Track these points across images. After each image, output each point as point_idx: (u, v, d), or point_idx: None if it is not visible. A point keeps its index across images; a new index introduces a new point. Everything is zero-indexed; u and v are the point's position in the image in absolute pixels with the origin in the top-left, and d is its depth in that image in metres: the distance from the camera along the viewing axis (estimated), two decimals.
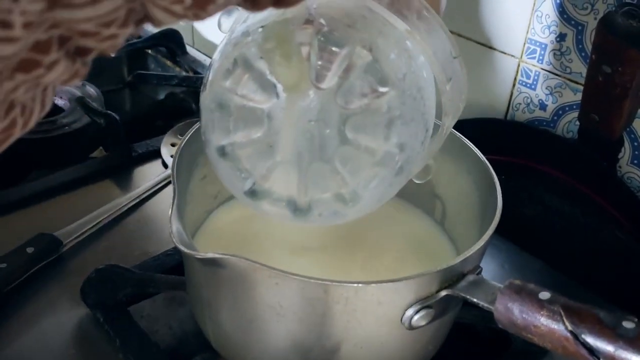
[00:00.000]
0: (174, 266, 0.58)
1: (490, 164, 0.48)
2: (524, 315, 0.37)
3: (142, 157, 0.74)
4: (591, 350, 0.34)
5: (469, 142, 0.51)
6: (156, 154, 0.75)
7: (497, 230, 0.43)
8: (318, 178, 0.41)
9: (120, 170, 0.72)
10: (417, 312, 0.40)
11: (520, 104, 0.70)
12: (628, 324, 0.33)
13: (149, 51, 1.00)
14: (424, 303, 0.40)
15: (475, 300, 0.40)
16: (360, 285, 0.39)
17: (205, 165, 0.51)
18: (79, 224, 0.62)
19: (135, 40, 1.00)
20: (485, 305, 0.39)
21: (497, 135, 0.70)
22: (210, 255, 0.38)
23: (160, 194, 0.70)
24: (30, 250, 0.58)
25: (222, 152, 0.42)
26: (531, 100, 0.68)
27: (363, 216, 0.44)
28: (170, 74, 0.92)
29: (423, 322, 0.41)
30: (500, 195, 0.46)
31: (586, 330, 0.34)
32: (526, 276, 0.61)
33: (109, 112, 0.73)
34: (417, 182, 0.45)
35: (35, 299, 0.56)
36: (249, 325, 0.43)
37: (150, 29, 1.07)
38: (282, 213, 0.43)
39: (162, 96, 0.93)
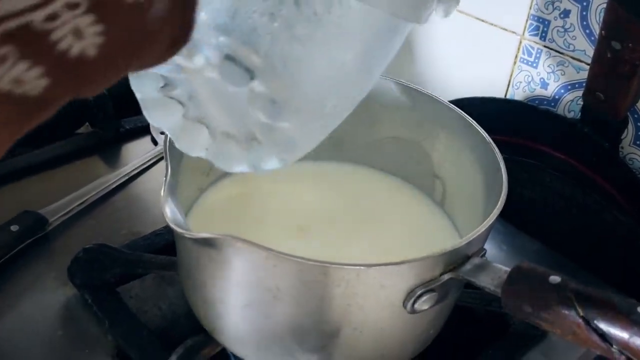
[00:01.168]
0: (164, 246, 0.56)
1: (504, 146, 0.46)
2: (532, 301, 0.35)
3: (131, 133, 0.72)
4: (604, 336, 0.33)
5: (472, 120, 0.49)
6: (145, 131, 0.72)
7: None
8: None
9: (108, 147, 0.70)
10: (419, 295, 0.39)
11: (520, 82, 0.68)
12: None
13: None
14: (427, 286, 0.39)
15: (481, 284, 0.38)
16: (362, 268, 0.37)
17: None
18: (65, 201, 0.60)
19: None
20: (492, 289, 0.38)
21: (496, 114, 0.68)
22: (204, 235, 0.36)
23: (149, 171, 0.67)
24: (14, 228, 0.56)
25: None
26: (532, 79, 0.67)
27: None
28: None
29: (426, 306, 0.39)
30: (506, 176, 0.44)
31: (599, 317, 0.33)
32: (525, 258, 0.60)
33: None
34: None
35: (21, 279, 0.54)
36: (244, 309, 0.42)
37: None
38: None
39: None
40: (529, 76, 0.67)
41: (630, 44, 0.47)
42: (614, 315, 0.33)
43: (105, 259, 0.52)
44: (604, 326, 0.33)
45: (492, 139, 0.50)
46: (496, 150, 0.46)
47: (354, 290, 0.38)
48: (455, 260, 0.39)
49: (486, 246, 0.43)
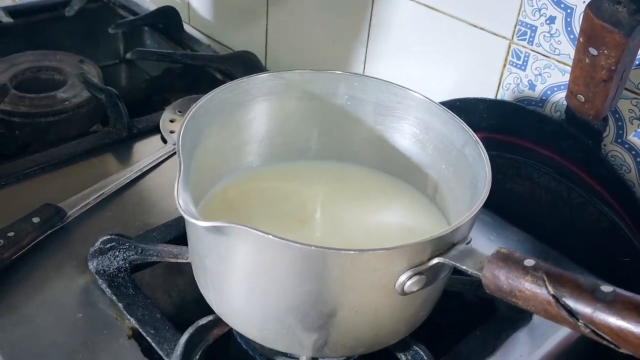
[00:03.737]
0: (173, 238, 0.61)
1: (482, 141, 0.50)
2: (509, 281, 0.39)
3: (142, 132, 0.76)
4: (571, 312, 0.37)
5: (460, 120, 0.53)
6: (155, 130, 0.76)
7: (487, 205, 0.46)
8: None
9: (121, 145, 0.74)
10: (409, 278, 0.43)
11: (510, 84, 0.72)
12: (606, 288, 0.36)
13: (146, 28, 1.02)
14: (416, 270, 0.43)
15: (464, 267, 0.42)
16: (356, 252, 0.41)
17: (209, 137, 0.53)
18: (82, 195, 0.65)
19: (132, 18, 1.01)
20: (474, 272, 0.42)
21: (487, 114, 0.72)
22: (215, 223, 0.40)
23: (159, 168, 0.72)
24: (36, 220, 0.60)
25: None
26: (521, 81, 0.71)
27: None
28: (169, 51, 0.93)
29: (415, 288, 0.43)
30: (490, 169, 0.48)
31: (567, 294, 0.37)
32: (512, 247, 0.64)
33: (109, 87, 0.75)
34: None
35: (42, 267, 0.58)
36: (249, 292, 0.46)
37: (147, 5, 1.09)
38: None
39: (157, 72, 0.95)
40: (517, 78, 0.71)
41: (605, 51, 0.51)
42: (580, 293, 0.37)
43: (120, 247, 0.56)
44: (571, 303, 0.37)
45: (484, 136, 0.53)
46: (481, 147, 0.50)
47: (350, 273, 0.42)
48: (442, 246, 0.43)
49: (477, 237, 0.47)
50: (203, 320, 0.50)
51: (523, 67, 0.70)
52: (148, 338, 0.52)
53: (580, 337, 0.53)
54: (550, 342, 0.56)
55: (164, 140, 0.76)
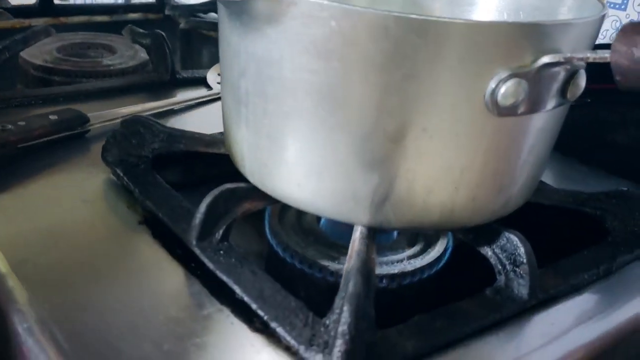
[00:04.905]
0: None
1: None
2: None
3: (187, 80, 0.68)
4: None
5: None
6: (201, 81, 0.69)
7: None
8: None
9: (162, 88, 0.66)
10: (504, 81, 0.32)
11: (607, 29, 0.62)
12: None
13: None
14: (514, 71, 0.32)
15: (582, 56, 0.31)
16: (444, 20, 0.31)
17: None
18: (112, 112, 0.56)
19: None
20: (599, 56, 0.31)
21: None
22: None
23: (201, 109, 0.63)
24: (53, 117, 0.52)
25: None
26: (620, 24, 0.61)
27: None
28: None
29: (512, 99, 0.32)
30: None
31: None
32: None
33: (156, 30, 0.69)
34: None
35: (55, 163, 0.49)
36: (298, 115, 0.35)
37: None
38: None
39: None
40: (616, 21, 0.61)
41: None
42: None
43: (145, 132, 0.47)
44: None
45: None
46: None
47: (423, 65, 0.31)
48: (553, 46, 0.33)
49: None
50: (231, 185, 0.39)
51: (623, 7, 0.61)
52: (164, 218, 0.41)
53: None
54: None
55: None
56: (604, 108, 0.59)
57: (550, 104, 0.35)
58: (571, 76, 0.34)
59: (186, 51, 0.98)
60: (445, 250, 0.44)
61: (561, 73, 0.34)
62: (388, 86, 0.32)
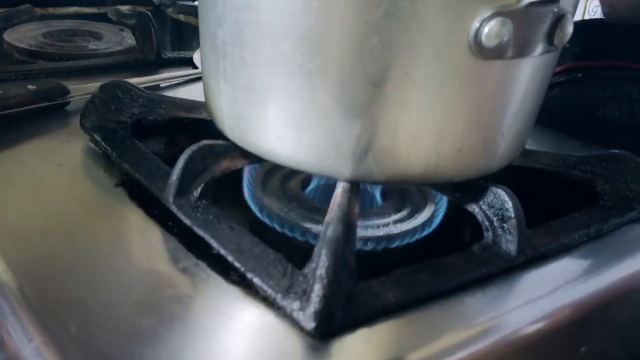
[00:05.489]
0: None
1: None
2: None
3: (173, 61, 0.67)
4: None
5: None
6: (188, 62, 0.68)
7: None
8: None
9: (147, 68, 0.65)
10: (487, 20, 0.31)
11: (598, 6, 0.62)
12: None
13: None
14: (497, 9, 0.31)
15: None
16: None
17: None
18: (92, 85, 0.55)
19: None
20: None
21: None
22: None
23: (187, 87, 0.62)
24: (32, 87, 0.50)
25: None
26: None
27: None
28: None
29: (496, 40, 0.31)
30: None
31: None
32: None
33: (141, 10, 0.68)
34: None
35: (31, 132, 0.48)
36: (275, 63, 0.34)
37: None
38: None
39: None
40: None
41: None
42: None
43: (124, 97, 0.46)
44: None
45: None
46: None
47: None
48: None
49: None
50: (210, 141, 0.38)
51: None
52: (141, 179, 0.40)
53: None
54: None
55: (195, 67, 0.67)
56: (594, 83, 0.58)
57: (537, 49, 0.34)
58: (558, 20, 0.33)
59: (177, 41, 0.98)
60: (433, 215, 0.42)
61: (548, 15, 0.33)
62: (368, 25, 0.31)
